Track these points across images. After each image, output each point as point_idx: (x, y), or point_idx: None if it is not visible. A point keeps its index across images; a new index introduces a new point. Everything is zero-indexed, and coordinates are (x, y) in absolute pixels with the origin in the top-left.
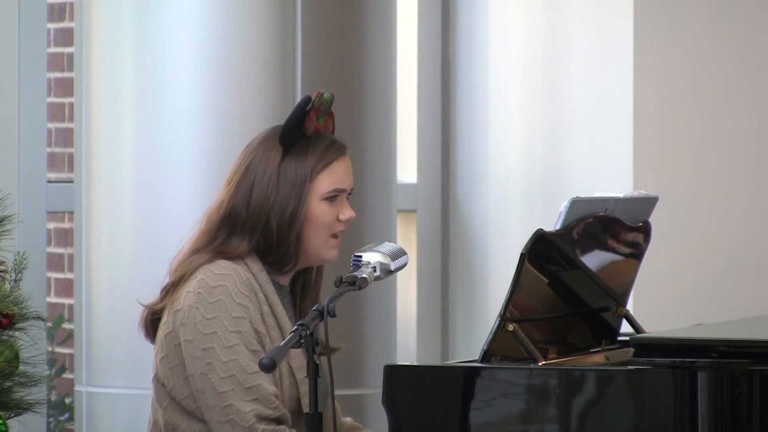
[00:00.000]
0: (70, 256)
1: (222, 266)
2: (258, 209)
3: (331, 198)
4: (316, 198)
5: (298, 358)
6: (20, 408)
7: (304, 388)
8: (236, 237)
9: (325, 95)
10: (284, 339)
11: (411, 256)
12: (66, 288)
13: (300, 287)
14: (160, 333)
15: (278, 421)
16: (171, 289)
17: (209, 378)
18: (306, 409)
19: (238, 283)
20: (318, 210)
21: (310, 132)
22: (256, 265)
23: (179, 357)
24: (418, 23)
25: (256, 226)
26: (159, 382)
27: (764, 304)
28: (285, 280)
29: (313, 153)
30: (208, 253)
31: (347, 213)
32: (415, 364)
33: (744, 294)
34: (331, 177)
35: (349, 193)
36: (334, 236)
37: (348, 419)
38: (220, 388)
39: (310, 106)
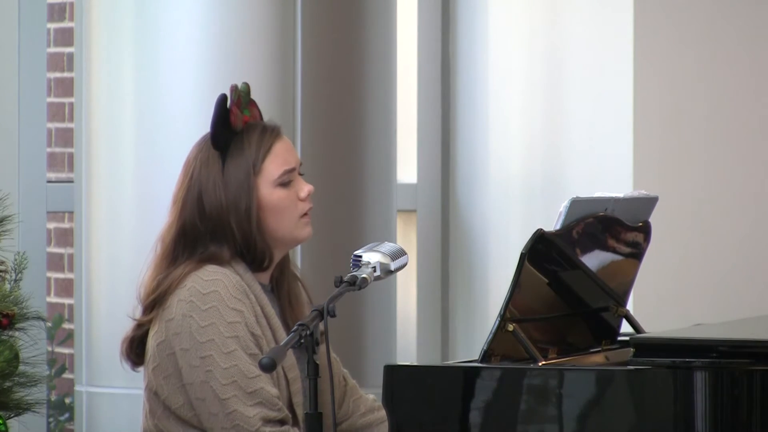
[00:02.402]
0: (70, 256)
1: (211, 271)
2: (216, 217)
3: (285, 182)
4: (269, 186)
5: (287, 357)
6: (20, 408)
7: (295, 387)
8: (211, 246)
9: (239, 87)
10: (276, 339)
11: (411, 256)
12: (66, 288)
13: (276, 278)
14: (151, 343)
15: (282, 422)
16: (158, 300)
17: (210, 386)
18: (297, 408)
19: (230, 288)
20: (275, 197)
21: (240, 127)
22: (241, 267)
23: (173, 366)
24: (418, 23)
25: (223, 233)
26: (152, 392)
27: (764, 304)
28: (266, 278)
29: (250, 145)
30: (190, 263)
31: (305, 188)
32: (415, 364)
33: (744, 294)
34: (276, 161)
35: (301, 173)
36: (304, 215)
37: (371, 396)
38: (223, 395)
39: (229, 103)
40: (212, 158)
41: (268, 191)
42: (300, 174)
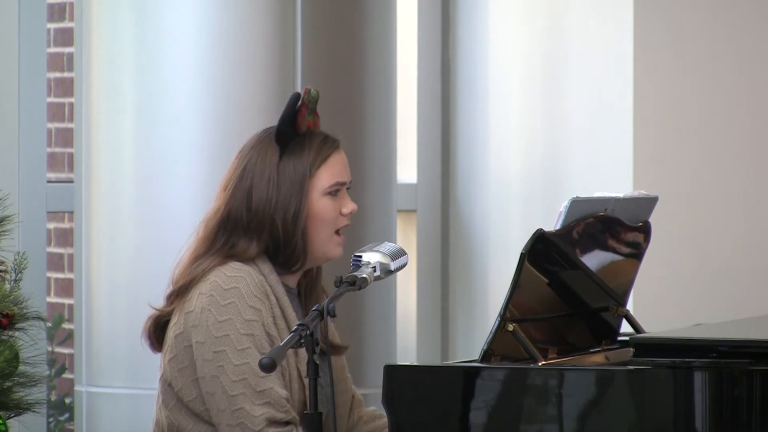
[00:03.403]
0: (70, 256)
1: (234, 268)
2: (261, 211)
3: (333, 192)
4: (317, 194)
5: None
6: (20, 408)
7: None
8: (242, 240)
9: (312, 92)
10: None
11: (411, 256)
12: (66, 288)
13: (305, 287)
14: (170, 334)
15: (288, 423)
16: (181, 292)
17: (220, 381)
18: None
19: (251, 286)
20: (320, 205)
21: (303, 129)
22: (266, 267)
23: (189, 358)
24: (418, 23)
25: (261, 229)
26: (166, 383)
27: (764, 304)
28: (293, 281)
29: (310, 149)
30: (216, 256)
31: (350, 206)
32: (415, 364)
33: (744, 294)
34: (330, 171)
35: (348, 188)
36: (338, 233)
37: (371, 408)
38: (232, 392)
39: (300, 102)
40: (271, 153)
41: (315, 197)
42: (347, 188)
